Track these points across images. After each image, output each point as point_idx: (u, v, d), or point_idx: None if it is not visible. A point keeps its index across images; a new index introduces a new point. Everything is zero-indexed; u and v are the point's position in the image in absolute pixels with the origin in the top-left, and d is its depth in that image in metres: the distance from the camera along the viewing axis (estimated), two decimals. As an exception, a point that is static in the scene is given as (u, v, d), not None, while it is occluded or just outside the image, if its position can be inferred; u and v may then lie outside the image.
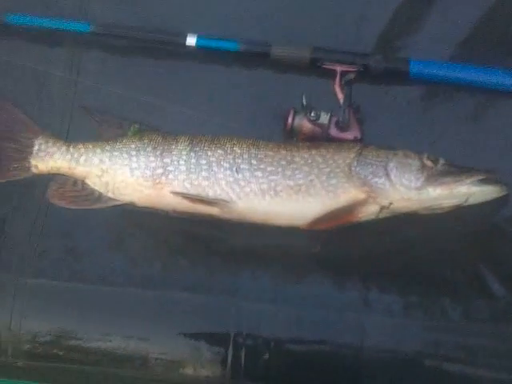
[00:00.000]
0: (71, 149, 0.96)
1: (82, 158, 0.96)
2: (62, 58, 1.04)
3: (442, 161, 0.90)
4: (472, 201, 0.88)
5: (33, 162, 0.96)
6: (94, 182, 0.95)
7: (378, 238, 0.92)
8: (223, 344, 0.87)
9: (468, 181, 0.87)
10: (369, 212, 0.88)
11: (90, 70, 1.03)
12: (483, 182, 0.87)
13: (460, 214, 0.88)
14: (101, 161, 0.95)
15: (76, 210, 0.94)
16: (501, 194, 0.88)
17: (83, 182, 0.96)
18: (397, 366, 0.83)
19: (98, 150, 0.96)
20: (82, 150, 0.96)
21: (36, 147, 0.97)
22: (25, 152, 0.96)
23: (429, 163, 0.89)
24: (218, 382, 0.87)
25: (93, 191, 0.95)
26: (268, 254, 0.93)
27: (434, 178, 0.88)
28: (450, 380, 0.83)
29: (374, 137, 0.95)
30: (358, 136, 0.94)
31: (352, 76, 0.96)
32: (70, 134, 1.00)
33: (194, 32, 0.99)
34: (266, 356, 0.86)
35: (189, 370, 0.87)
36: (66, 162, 0.96)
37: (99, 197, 0.95)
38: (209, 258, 0.93)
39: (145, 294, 0.91)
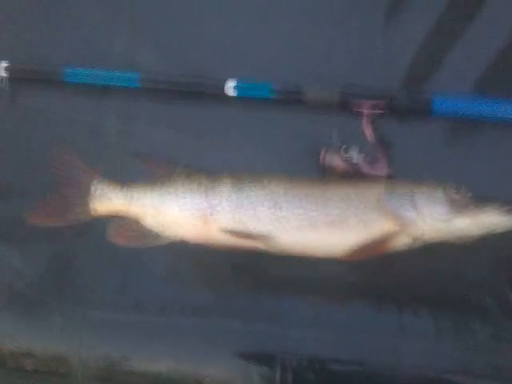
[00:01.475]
0: (126, 191, 1.05)
1: (137, 200, 1.05)
2: (114, 109, 1.13)
3: (467, 192, 0.95)
4: (501, 229, 0.93)
5: (92, 205, 1.05)
6: (149, 222, 1.04)
7: (410, 266, 0.98)
8: (271, 367, 0.96)
9: (493, 211, 0.92)
10: (401, 243, 0.95)
11: (140, 119, 1.13)
12: (508, 211, 0.92)
13: (487, 240, 0.94)
14: (153, 202, 1.04)
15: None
16: (526, 224, 0.93)
17: (138, 222, 1.05)
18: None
19: (150, 192, 1.05)
20: (136, 191, 1.05)
21: (95, 191, 1.05)
22: (84, 196, 1.05)
23: (454, 194, 0.96)
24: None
25: (148, 230, 1.04)
26: (308, 282, 1.01)
27: (460, 208, 0.94)
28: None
29: (401, 172, 1.02)
30: (388, 172, 1.01)
31: (379, 116, 1.03)
32: (124, 180, 1.09)
33: (232, 77, 1.08)
34: (312, 376, 0.94)
35: (240, 392, 0.96)
36: (121, 203, 1.05)
37: (154, 235, 1.04)
38: (254, 288, 1.02)
39: (198, 323, 1.00)
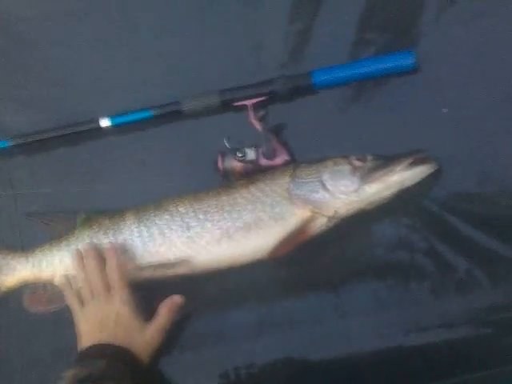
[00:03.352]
0: (30, 257, 1.00)
1: (43, 263, 0.99)
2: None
3: (369, 157, 0.93)
4: (408, 183, 0.91)
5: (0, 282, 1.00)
6: (61, 281, 0.98)
7: (334, 245, 0.95)
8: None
9: (398, 168, 0.89)
10: (318, 225, 0.92)
11: (22, 178, 1.07)
12: (412, 164, 0.90)
13: (403, 198, 0.91)
14: (61, 260, 0.99)
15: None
16: (432, 170, 0.91)
17: (51, 284, 0.99)
18: (383, 353, 0.90)
19: (57, 252, 0.99)
20: (40, 254, 1.00)
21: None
22: (-9, 275, 1.00)
23: (358, 163, 0.92)
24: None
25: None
26: (241, 290, 0.97)
27: (366, 175, 0.90)
28: (431, 348, 0.90)
29: (302, 153, 0.99)
30: (288, 158, 0.98)
31: (263, 107, 1.00)
32: (25, 244, 1.03)
33: (106, 111, 1.03)
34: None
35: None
36: (29, 270, 1.00)
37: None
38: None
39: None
